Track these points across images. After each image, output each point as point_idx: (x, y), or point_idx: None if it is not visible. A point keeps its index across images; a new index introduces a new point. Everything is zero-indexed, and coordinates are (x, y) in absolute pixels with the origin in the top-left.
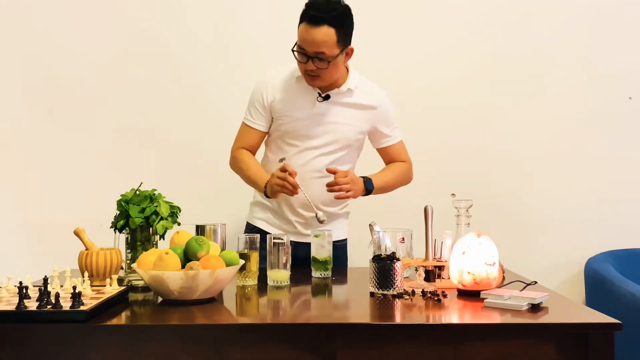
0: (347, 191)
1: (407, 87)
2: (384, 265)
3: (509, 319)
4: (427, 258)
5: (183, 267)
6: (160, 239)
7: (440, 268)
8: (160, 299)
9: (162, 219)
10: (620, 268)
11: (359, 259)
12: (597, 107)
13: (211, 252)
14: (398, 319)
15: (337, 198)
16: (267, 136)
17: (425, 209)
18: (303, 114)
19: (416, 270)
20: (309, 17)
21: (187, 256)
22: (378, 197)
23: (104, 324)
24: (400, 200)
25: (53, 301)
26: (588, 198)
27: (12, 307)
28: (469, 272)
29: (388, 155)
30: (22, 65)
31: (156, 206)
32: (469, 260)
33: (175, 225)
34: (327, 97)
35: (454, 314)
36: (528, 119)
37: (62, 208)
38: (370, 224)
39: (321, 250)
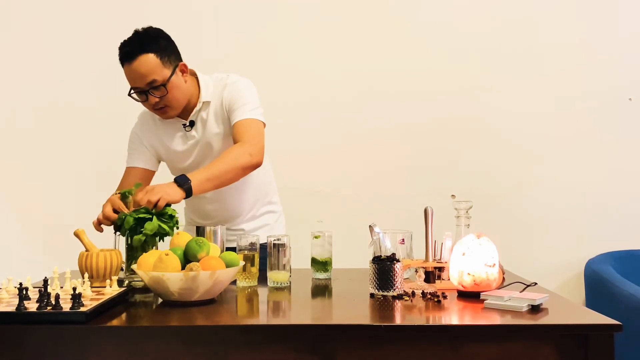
0: (156, 201)
1: (403, 84)
2: (383, 267)
3: (509, 320)
4: (427, 259)
5: (183, 268)
6: (160, 241)
7: (440, 269)
8: (160, 300)
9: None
10: (620, 269)
11: (359, 260)
12: (597, 109)
13: (211, 253)
14: (398, 320)
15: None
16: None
17: (425, 210)
18: (181, 150)
19: (416, 271)
20: (123, 55)
21: (187, 257)
22: (378, 198)
23: (104, 325)
24: (400, 201)
25: (53, 302)
26: (588, 199)
27: (12, 308)
28: (469, 274)
29: (233, 137)
30: (22, 64)
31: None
32: (469, 261)
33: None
34: (192, 124)
35: (453, 315)
36: (528, 121)
37: (62, 209)
38: (370, 225)
39: (321, 251)
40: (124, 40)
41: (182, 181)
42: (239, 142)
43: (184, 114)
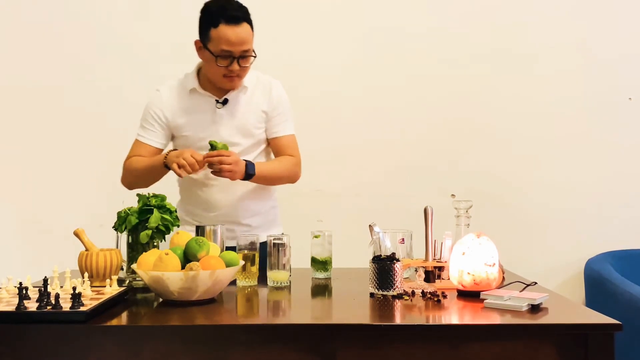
0: (228, 171)
1: (404, 85)
2: (383, 266)
3: (508, 319)
4: (427, 259)
5: (183, 267)
6: (163, 240)
7: (440, 269)
8: (160, 300)
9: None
10: (620, 269)
11: (359, 260)
12: (596, 109)
13: (211, 252)
14: (398, 320)
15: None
16: None
17: (425, 210)
18: (205, 125)
19: (416, 270)
20: (230, 17)
21: (187, 257)
22: (378, 198)
23: (104, 325)
24: (400, 201)
25: (53, 302)
26: (588, 199)
27: (12, 308)
28: (468, 273)
29: (276, 147)
30: (21, 65)
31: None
32: (469, 260)
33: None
34: (225, 102)
35: (453, 314)
36: (528, 121)
37: (62, 209)
38: (370, 225)
39: (321, 251)
40: (223, 3)
41: (249, 166)
42: (294, 157)
43: (218, 92)
